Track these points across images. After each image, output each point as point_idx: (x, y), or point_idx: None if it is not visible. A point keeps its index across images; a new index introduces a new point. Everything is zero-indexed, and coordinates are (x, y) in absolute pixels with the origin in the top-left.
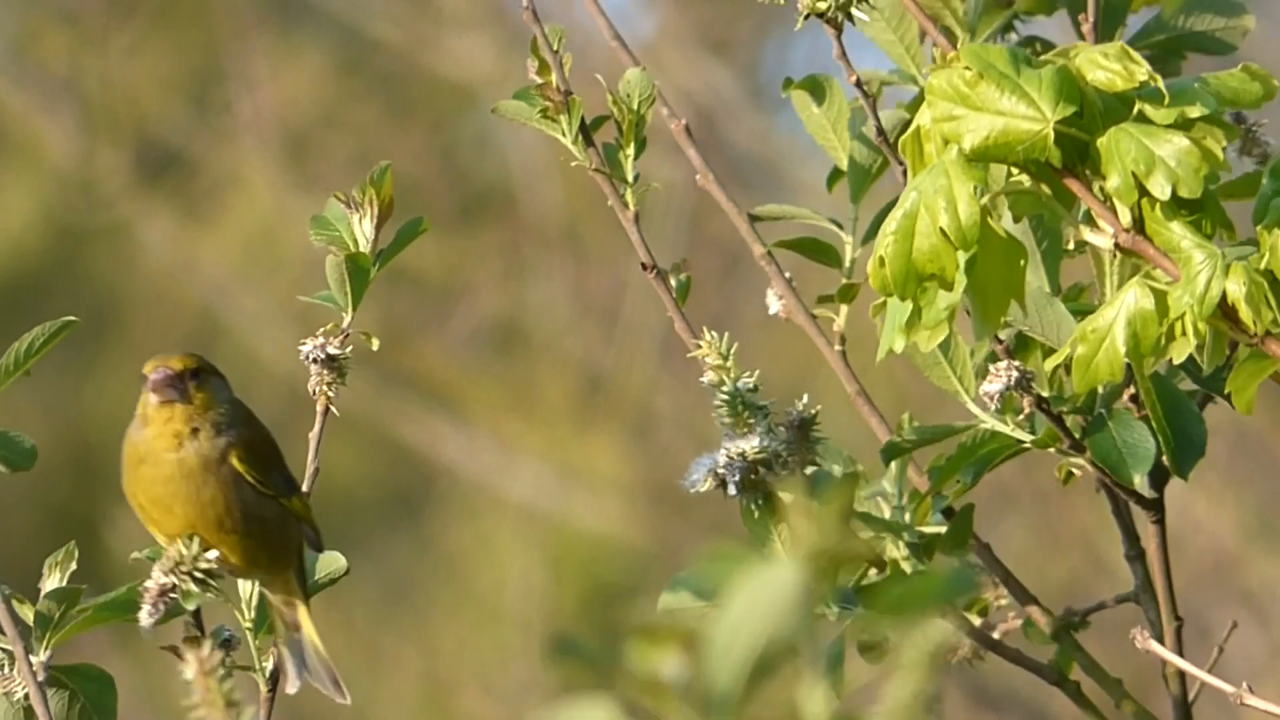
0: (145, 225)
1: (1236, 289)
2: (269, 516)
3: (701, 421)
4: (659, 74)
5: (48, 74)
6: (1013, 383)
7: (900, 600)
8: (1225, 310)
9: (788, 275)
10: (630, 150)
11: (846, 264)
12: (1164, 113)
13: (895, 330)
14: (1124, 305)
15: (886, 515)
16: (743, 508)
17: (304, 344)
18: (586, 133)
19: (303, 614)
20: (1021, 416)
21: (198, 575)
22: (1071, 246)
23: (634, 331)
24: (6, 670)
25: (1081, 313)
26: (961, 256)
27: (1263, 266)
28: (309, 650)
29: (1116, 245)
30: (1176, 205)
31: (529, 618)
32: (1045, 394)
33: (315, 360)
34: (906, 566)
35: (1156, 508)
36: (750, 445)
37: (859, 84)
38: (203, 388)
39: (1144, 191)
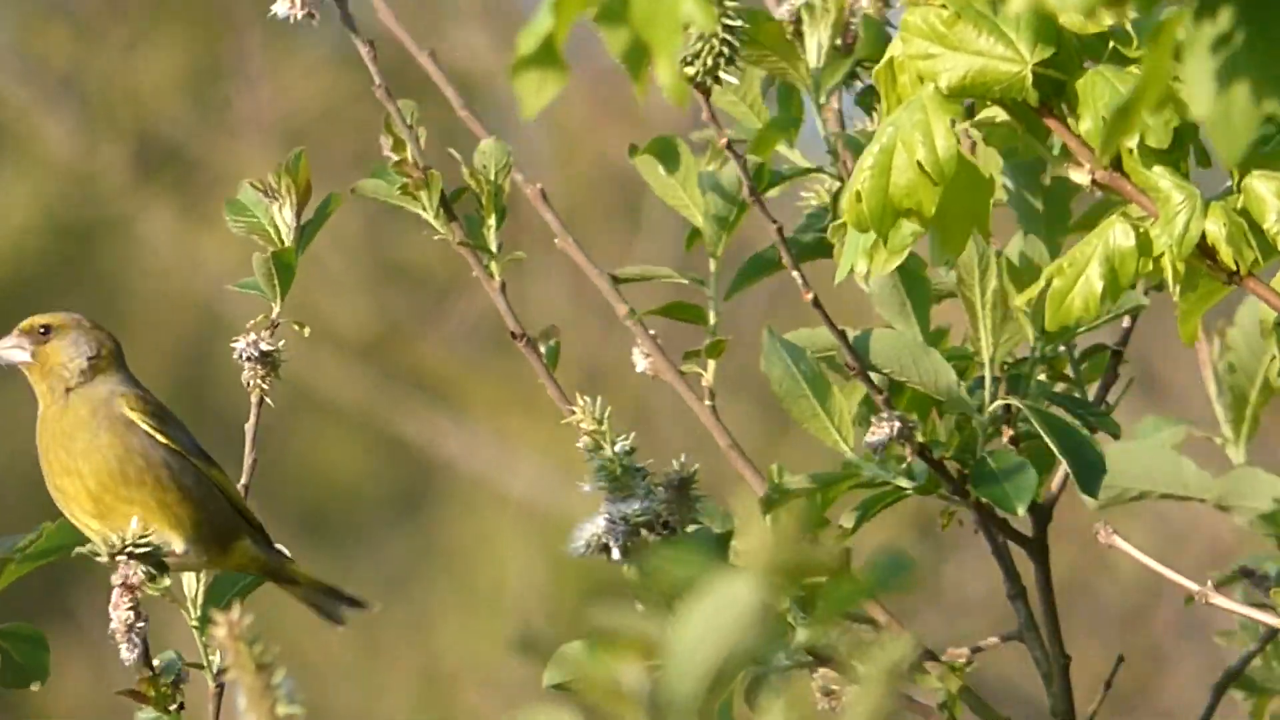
0: (145, 221)
1: (1216, 229)
2: (179, 470)
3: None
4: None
5: (48, 70)
6: (895, 433)
7: (844, 596)
8: (1204, 250)
9: (653, 333)
10: (491, 221)
11: (711, 321)
12: (1135, 52)
13: (858, 251)
14: (1103, 241)
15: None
16: (626, 571)
17: (236, 341)
18: (448, 206)
19: (292, 570)
20: (903, 466)
21: (138, 553)
22: (1048, 183)
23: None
24: None
25: (955, 358)
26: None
27: (1239, 207)
28: (324, 593)
29: (1094, 181)
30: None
31: (529, 614)
32: (922, 440)
33: (249, 358)
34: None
35: (1039, 547)
36: (631, 509)
37: (730, 146)
38: (50, 341)
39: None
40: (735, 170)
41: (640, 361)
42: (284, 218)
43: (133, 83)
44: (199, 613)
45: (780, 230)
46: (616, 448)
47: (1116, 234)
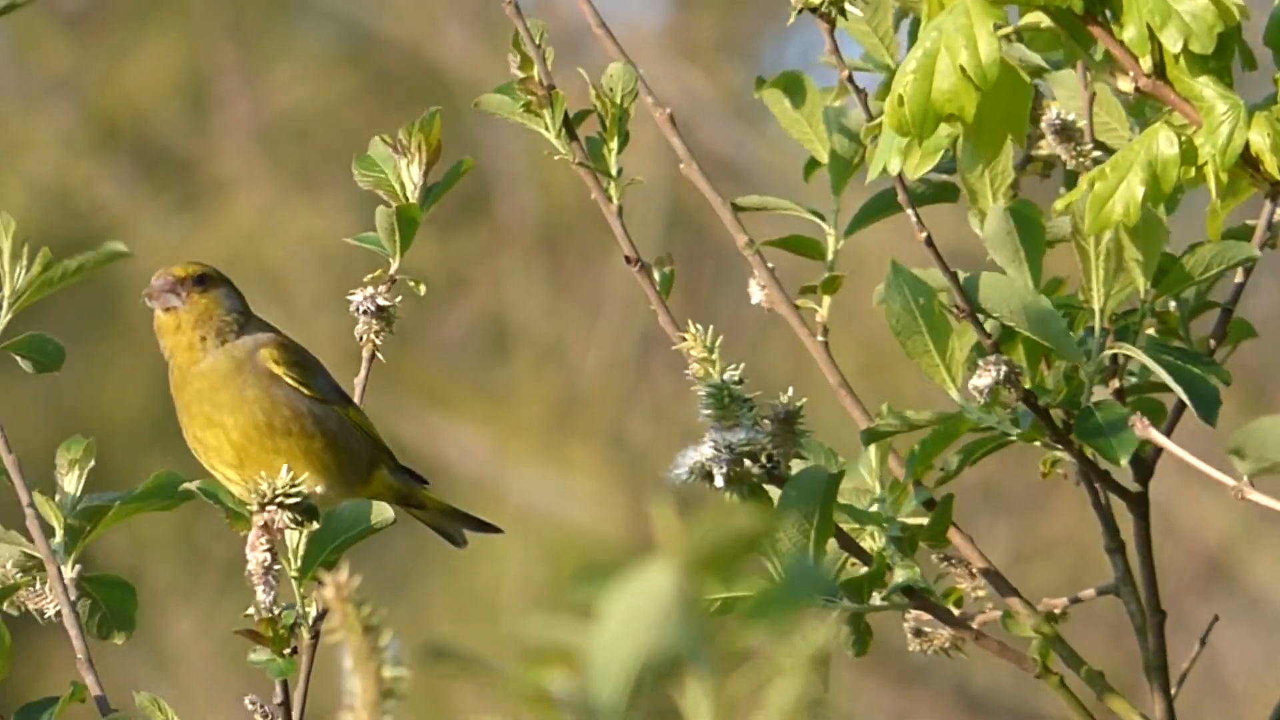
0: (140, 224)
1: (1261, 139)
2: (323, 417)
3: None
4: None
5: (43, 74)
6: (1001, 377)
7: (755, 611)
8: (1247, 159)
9: (770, 266)
10: (614, 144)
11: (830, 256)
12: None
13: (893, 151)
14: (1147, 147)
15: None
16: (727, 499)
17: (353, 295)
18: (570, 127)
19: (422, 495)
20: (1008, 411)
21: (289, 503)
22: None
23: (615, 330)
24: (38, 586)
25: (1065, 306)
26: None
27: None
28: (453, 516)
29: (1137, 89)
30: (1199, 56)
31: (526, 611)
32: (1029, 386)
33: (365, 312)
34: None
35: (1140, 501)
36: (737, 438)
37: (851, 79)
38: (206, 293)
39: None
40: (860, 113)
41: (756, 293)
42: (411, 175)
43: (125, 87)
44: (299, 564)
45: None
46: (725, 376)
47: (1160, 141)
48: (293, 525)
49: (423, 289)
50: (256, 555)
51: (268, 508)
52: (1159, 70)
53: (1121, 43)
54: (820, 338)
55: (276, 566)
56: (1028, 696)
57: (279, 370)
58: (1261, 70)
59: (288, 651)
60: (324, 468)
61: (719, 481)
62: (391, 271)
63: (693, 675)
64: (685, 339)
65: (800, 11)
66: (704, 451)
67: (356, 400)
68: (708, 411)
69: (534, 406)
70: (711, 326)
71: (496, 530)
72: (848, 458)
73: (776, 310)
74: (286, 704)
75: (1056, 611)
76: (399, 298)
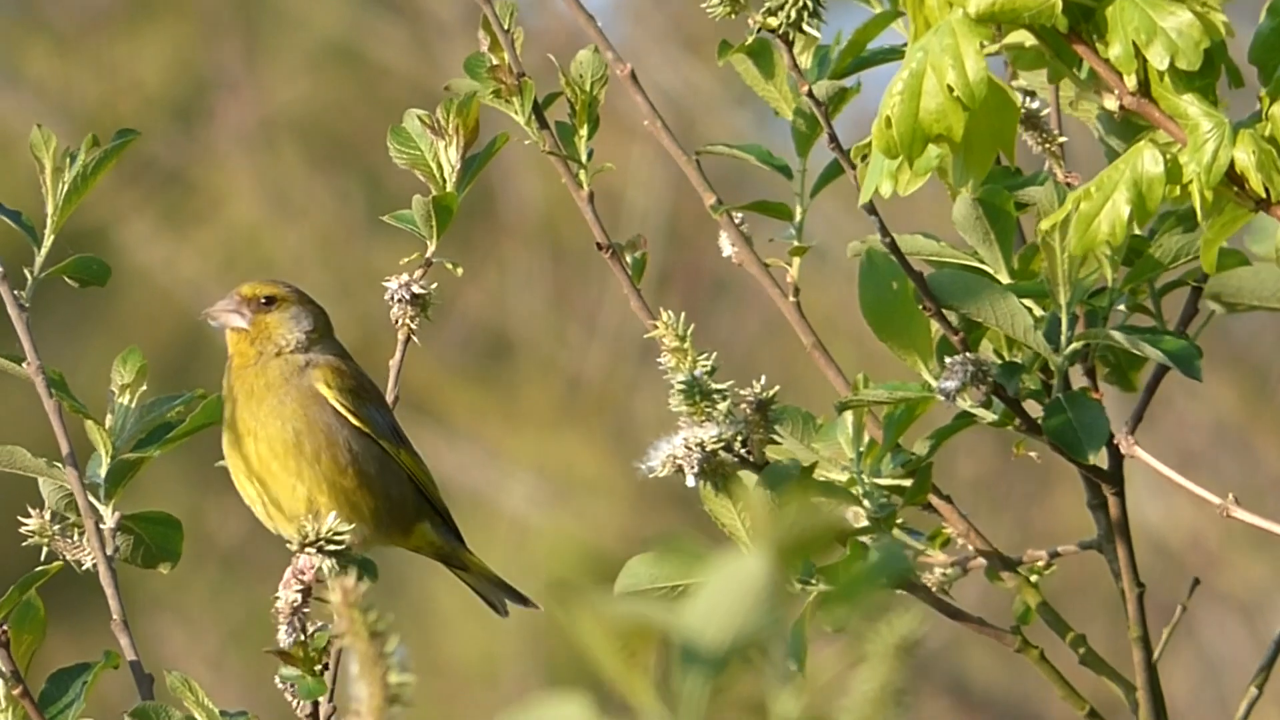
0: (127, 227)
1: (1246, 158)
2: (361, 453)
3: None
4: (640, 72)
5: (30, 80)
6: (969, 378)
7: (848, 586)
8: (1232, 178)
9: (739, 221)
10: (584, 131)
11: (798, 218)
12: None
13: (883, 174)
14: (1131, 167)
15: (841, 477)
16: (702, 490)
17: (388, 282)
18: (540, 114)
19: (465, 558)
20: (980, 395)
21: (331, 548)
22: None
23: (614, 329)
24: (75, 538)
25: (1033, 294)
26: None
27: (1267, 134)
28: (489, 582)
29: (1122, 107)
30: (1184, 74)
31: (521, 623)
32: (1004, 358)
33: (400, 300)
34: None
35: (1115, 480)
36: (708, 434)
37: (811, 94)
38: (273, 313)
39: (1146, 59)
40: (826, 84)
41: (726, 247)
42: (448, 157)
43: (113, 90)
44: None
45: (838, 143)
46: (696, 371)
47: (1145, 160)
48: (329, 573)
49: (459, 271)
50: (287, 594)
51: (307, 549)
52: (1144, 88)
53: (1106, 61)
54: (792, 298)
55: (306, 609)
56: (1027, 695)
57: (328, 392)
58: (1246, 88)
59: (319, 669)
60: (352, 508)
61: (690, 480)
62: (428, 255)
63: (777, 657)
64: (657, 326)
65: (759, 32)
66: (675, 445)
67: (390, 389)
68: (678, 408)
69: (531, 410)
70: (683, 313)
71: (533, 606)
72: (827, 419)
73: (747, 269)
74: (315, 714)
75: (1039, 565)
76: (434, 284)
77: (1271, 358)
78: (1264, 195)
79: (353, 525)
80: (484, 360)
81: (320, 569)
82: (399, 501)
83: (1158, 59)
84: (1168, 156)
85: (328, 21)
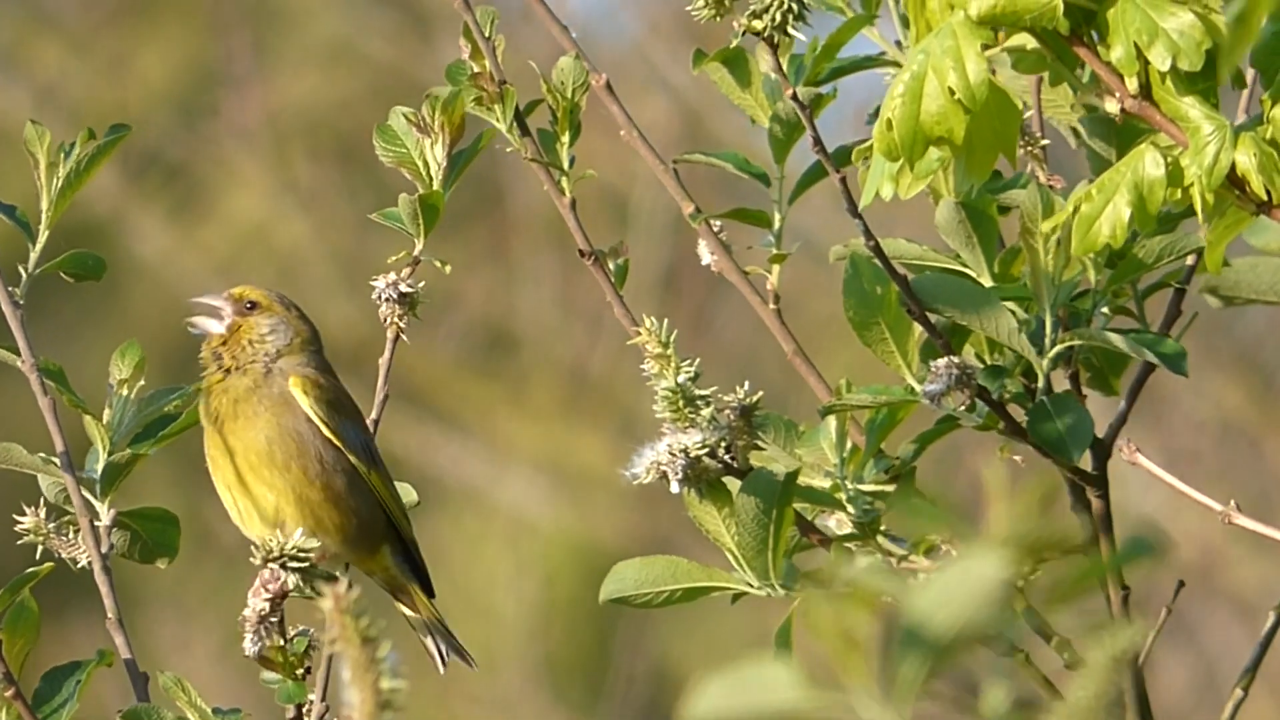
0: (134, 223)
1: (1247, 160)
2: (332, 466)
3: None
4: (647, 71)
5: (37, 76)
6: (953, 382)
7: (1083, 576)
8: (1234, 180)
9: (718, 229)
10: (566, 138)
11: (776, 225)
12: None
13: (885, 177)
14: (1132, 169)
15: (825, 483)
16: (686, 496)
17: (376, 281)
18: (521, 121)
19: (418, 599)
20: (964, 399)
21: (295, 564)
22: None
23: (620, 326)
24: (71, 536)
25: (1017, 297)
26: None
27: (1268, 137)
28: (436, 632)
29: (1123, 110)
30: (1186, 77)
31: (519, 620)
32: (987, 362)
33: (388, 299)
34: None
35: (1099, 483)
36: (692, 441)
37: (795, 97)
38: (251, 316)
39: (1148, 61)
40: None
41: (706, 255)
42: (434, 155)
43: (120, 86)
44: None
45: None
46: (680, 377)
47: (1146, 163)
48: (294, 589)
49: (448, 269)
50: (256, 603)
51: (270, 564)
52: (1145, 91)
53: (1108, 63)
54: (772, 306)
55: (273, 619)
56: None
57: (304, 400)
58: (1237, 90)
59: (299, 673)
60: (317, 523)
61: (674, 487)
62: (415, 253)
63: (998, 653)
64: (640, 333)
65: (744, 34)
66: (660, 451)
67: (379, 388)
68: (662, 414)
69: (534, 408)
70: (666, 320)
71: (471, 664)
72: (809, 425)
73: (727, 277)
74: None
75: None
76: (422, 282)
77: (1277, 357)
78: (1265, 198)
79: (317, 542)
80: (490, 355)
81: (285, 582)
82: (367, 521)
83: (1159, 60)
84: (1169, 159)
85: (334, 18)
